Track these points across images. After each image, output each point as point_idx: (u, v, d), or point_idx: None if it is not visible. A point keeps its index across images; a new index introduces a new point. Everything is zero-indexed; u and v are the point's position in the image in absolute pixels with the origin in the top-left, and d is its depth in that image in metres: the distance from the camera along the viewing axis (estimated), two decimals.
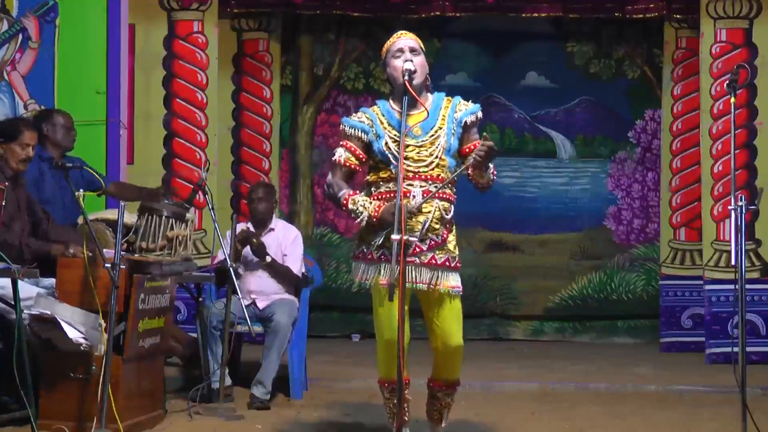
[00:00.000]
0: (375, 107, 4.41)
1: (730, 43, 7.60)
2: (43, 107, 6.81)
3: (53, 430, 4.64)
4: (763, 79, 7.52)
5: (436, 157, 4.25)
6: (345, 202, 4.25)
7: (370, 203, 4.23)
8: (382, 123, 4.32)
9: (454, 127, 4.31)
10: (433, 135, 4.28)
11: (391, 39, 4.36)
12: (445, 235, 4.27)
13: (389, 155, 4.24)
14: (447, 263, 4.27)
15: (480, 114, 4.40)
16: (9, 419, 4.77)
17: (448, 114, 4.33)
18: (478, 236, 9.09)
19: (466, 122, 4.33)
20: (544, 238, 9.18)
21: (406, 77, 4.19)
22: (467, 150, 4.34)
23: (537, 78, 9.21)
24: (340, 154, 4.34)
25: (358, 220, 4.22)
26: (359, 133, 4.33)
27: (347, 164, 4.33)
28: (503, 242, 9.20)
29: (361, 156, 4.33)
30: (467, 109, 4.35)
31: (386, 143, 4.26)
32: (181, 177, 7.51)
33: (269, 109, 8.59)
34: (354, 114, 4.44)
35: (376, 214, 4.18)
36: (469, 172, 4.26)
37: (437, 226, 4.24)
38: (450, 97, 4.41)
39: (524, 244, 9.19)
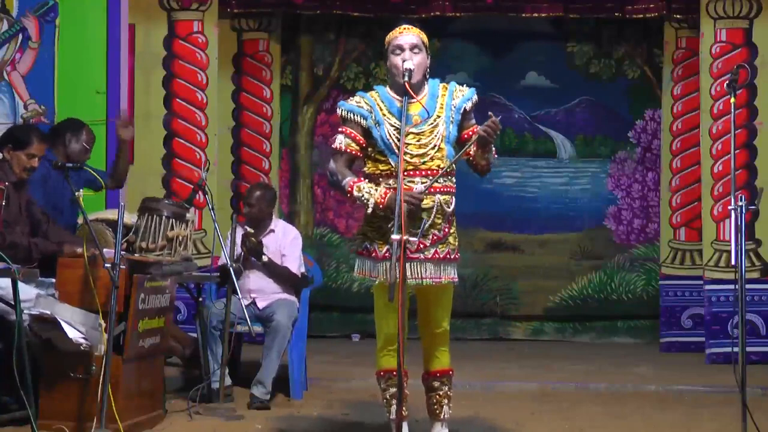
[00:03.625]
0: (373, 92, 4.38)
1: (730, 43, 7.60)
2: (43, 107, 6.81)
3: (53, 430, 4.64)
4: (763, 79, 7.52)
5: (435, 146, 4.25)
6: (350, 189, 4.23)
7: (376, 190, 4.20)
8: (381, 109, 4.30)
9: (452, 115, 4.31)
10: (432, 123, 4.28)
11: (393, 32, 4.35)
12: (446, 229, 4.29)
13: (392, 143, 4.22)
14: (448, 256, 4.30)
15: (476, 98, 4.39)
16: (9, 419, 4.77)
17: (446, 101, 4.32)
18: (478, 236, 9.09)
19: (465, 109, 4.34)
20: (544, 238, 9.19)
21: (406, 78, 4.19)
22: (466, 136, 4.35)
23: (537, 78, 9.22)
24: (341, 141, 4.31)
25: (367, 208, 4.19)
26: (358, 118, 4.30)
27: (348, 150, 4.30)
28: (503, 242, 9.20)
29: (361, 141, 4.30)
30: (464, 96, 4.36)
31: (388, 131, 4.25)
32: (181, 177, 7.51)
33: (269, 109, 8.59)
34: (351, 98, 4.39)
35: (382, 200, 4.17)
36: (471, 154, 4.26)
37: (439, 221, 4.26)
38: (446, 84, 4.41)
39: (524, 244, 9.19)
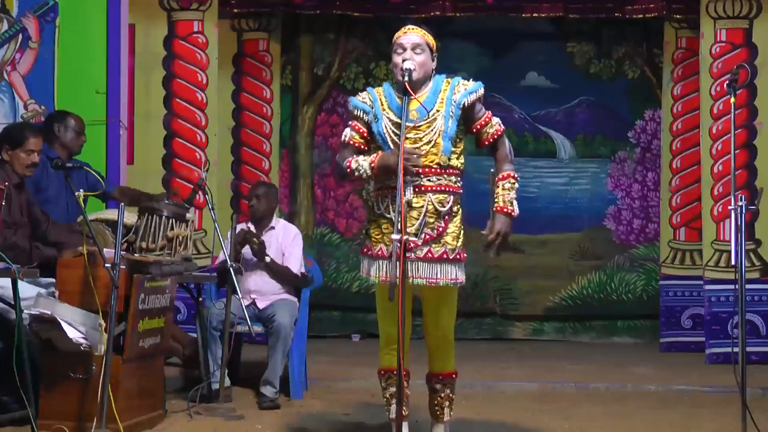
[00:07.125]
0: (379, 88, 4.44)
1: (730, 43, 7.60)
2: (43, 107, 6.81)
3: (53, 430, 4.64)
4: (763, 79, 7.52)
5: (431, 140, 4.25)
6: (349, 165, 4.28)
7: (369, 157, 4.26)
8: (382, 105, 4.34)
9: (452, 110, 4.31)
10: (429, 118, 4.28)
11: (399, 32, 4.38)
12: (440, 229, 4.27)
13: (387, 138, 4.26)
14: (445, 256, 4.26)
15: (481, 91, 4.39)
16: (9, 419, 4.78)
17: (447, 96, 4.32)
18: (478, 236, 9.05)
19: (464, 104, 4.33)
20: (544, 238, 9.18)
21: (406, 78, 4.20)
22: (478, 127, 4.39)
23: (537, 78, 9.21)
24: (346, 134, 4.40)
25: (365, 174, 4.23)
26: (361, 113, 4.38)
27: (352, 142, 4.38)
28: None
29: (365, 134, 4.37)
30: (466, 90, 4.35)
31: (385, 126, 4.28)
32: (181, 177, 7.51)
33: (269, 109, 8.59)
34: (359, 94, 4.47)
35: (374, 161, 4.22)
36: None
37: (431, 220, 4.25)
38: (449, 78, 4.42)
39: (524, 244, 9.18)
